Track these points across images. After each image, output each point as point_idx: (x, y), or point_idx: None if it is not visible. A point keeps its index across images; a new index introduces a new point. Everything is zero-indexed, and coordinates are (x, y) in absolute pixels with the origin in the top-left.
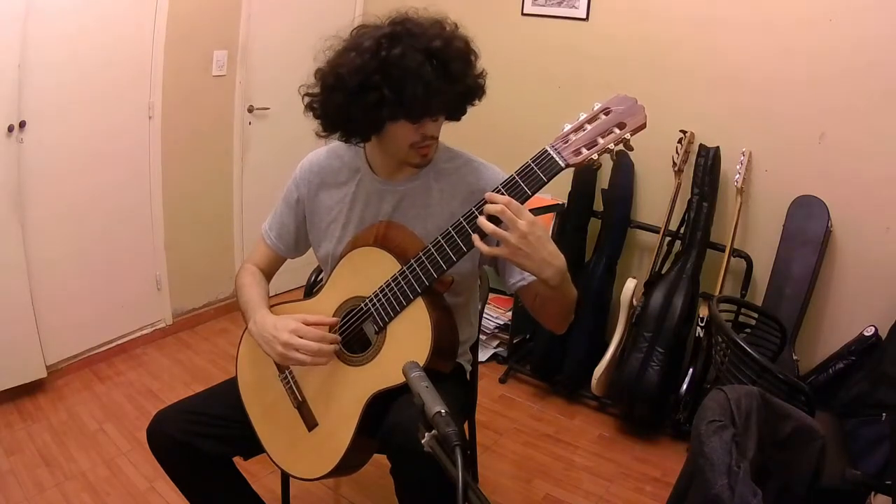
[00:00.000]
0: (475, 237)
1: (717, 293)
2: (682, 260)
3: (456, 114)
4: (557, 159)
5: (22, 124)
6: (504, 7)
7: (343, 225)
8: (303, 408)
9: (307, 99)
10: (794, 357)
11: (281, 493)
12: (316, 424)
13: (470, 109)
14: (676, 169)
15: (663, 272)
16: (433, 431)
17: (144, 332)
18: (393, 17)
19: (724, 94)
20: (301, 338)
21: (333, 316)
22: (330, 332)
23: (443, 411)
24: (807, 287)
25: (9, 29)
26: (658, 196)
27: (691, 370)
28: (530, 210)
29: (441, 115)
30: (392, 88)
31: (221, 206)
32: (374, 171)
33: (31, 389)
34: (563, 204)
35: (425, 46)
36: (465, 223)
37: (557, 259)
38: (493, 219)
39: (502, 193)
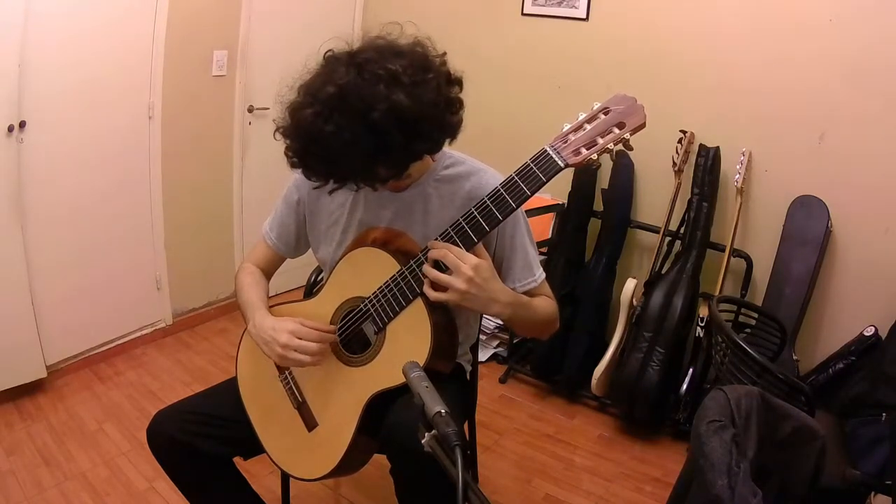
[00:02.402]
0: (426, 286)
1: (717, 293)
2: (682, 260)
3: (420, 159)
4: (557, 159)
5: (22, 124)
6: (504, 7)
7: (343, 229)
8: (303, 408)
9: (279, 135)
10: (794, 357)
11: (281, 493)
12: (316, 425)
13: (468, 110)
14: (676, 169)
15: (663, 272)
16: (433, 431)
17: (144, 332)
18: (360, 48)
19: (724, 94)
20: (300, 339)
21: (333, 316)
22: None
23: (443, 411)
24: (807, 287)
25: (9, 29)
26: (658, 196)
27: (691, 370)
28: (528, 210)
29: (387, 180)
30: (326, 162)
31: (221, 206)
32: None
33: (31, 389)
34: (563, 204)
35: (363, 114)
36: (464, 224)
37: (503, 295)
38: (439, 264)
39: (499, 196)
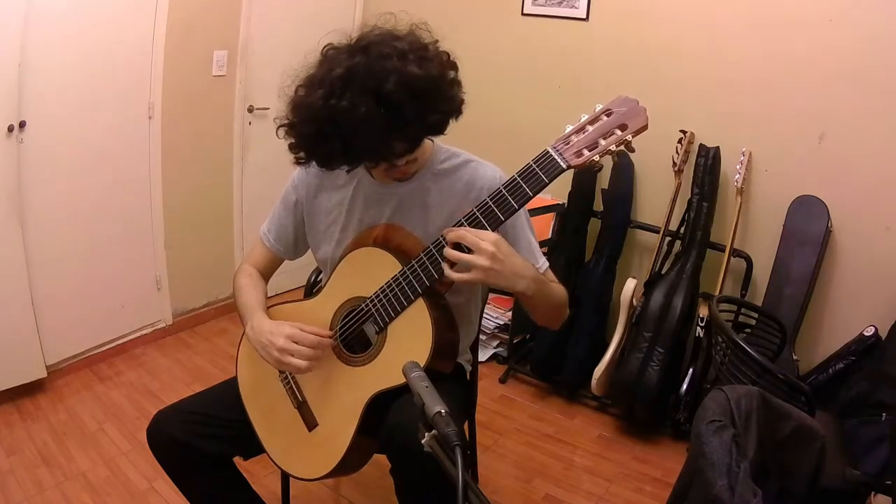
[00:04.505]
0: (445, 267)
1: (717, 293)
2: (682, 260)
3: (431, 136)
4: (559, 160)
5: (22, 124)
6: (504, 7)
7: (342, 228)
8: (303, 408)
9: (282, 131)
10: (794, 357)
11: (281, 493)
12: (316, 425)
13: (469, 110)
14: (676, 169)
15: (663, 272)
16: (433, 431)
17: (144, 332)
18: (360, 37)
19: (724, 94)
20: (297, 343)
21: (333, 316)
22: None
23: (443, 411)
24: (807, 287)
25: (9, 29)
26: (658, 196)
27: (691, 370)
28: (528, 210)
29: (403, 155)
30: (343, 140)
31: (221, 206)
32: (372, 174)
33: (31, 389)
34: (563, 204)
35: (376, 89)
36: (466, 224)
37: (528, 270)
38: (459, 246)
39: (501, 197)
